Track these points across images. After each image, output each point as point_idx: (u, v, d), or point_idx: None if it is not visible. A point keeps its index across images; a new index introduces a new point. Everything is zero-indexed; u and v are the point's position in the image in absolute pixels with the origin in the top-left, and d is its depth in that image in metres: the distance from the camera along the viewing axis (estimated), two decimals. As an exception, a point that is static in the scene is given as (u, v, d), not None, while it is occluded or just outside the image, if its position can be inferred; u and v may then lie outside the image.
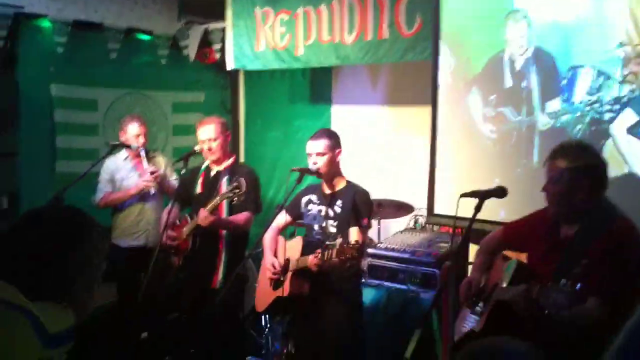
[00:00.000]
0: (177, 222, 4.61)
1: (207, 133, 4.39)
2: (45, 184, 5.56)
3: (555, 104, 4.11)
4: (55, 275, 1.62)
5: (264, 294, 4.18)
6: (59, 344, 1.46)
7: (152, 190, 4.94)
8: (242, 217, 4.32)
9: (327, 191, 4.02)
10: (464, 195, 2.94)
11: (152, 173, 4.88)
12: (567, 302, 2.45)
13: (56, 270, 1.62)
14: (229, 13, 6.12)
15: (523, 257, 3.19)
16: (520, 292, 2.73)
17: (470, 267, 4.16)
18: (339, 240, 3.53)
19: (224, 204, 4.26)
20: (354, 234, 3.82)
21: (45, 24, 5.69)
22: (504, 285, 3.02)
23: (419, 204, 5.10)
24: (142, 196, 5.01)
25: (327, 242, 3.66)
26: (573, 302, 2.46)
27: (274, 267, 4.02)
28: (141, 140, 4.98)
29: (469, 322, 3.22)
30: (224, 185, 4.29)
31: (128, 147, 4.96)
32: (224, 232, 4.37)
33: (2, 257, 1.64)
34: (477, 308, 3.14)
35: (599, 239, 2.78)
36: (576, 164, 2.82)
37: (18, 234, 1.68)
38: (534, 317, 2.67)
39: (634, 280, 2.67)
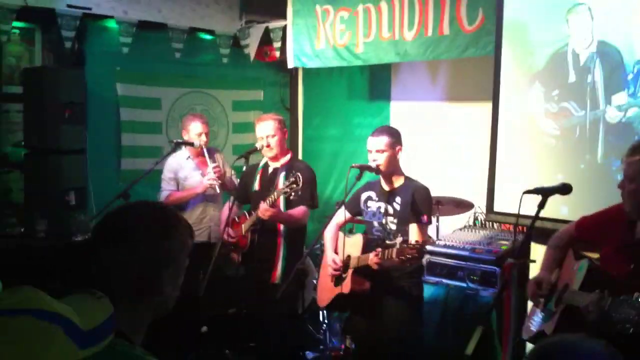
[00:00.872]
0: (236, 219, 4.67)
1: (266, 129, 4.44)
2: (111, 181, 5.74)
3: (620, 98, 4.01)
4: (148, 267, 1.65)
5: (325, 290, 4.21)
6: (99, 339, 1.42)
7: (217, 189, 5.01)
8: (299, 211, 4.36)
9: (386, 188, 4.01)
10: (527, 192, 2.90)
11: (215, 172, 4.94)
12: (636, 318, 2.41)
13: (146, 264, 1.65)
14: (289, 11, 6.17)
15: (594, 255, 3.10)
16: (593, 301, 2.64)
17: (531, 266, 4.10)
18: (399, 240, 3.53)
19: (281, 199, 4.30)
20: (413, 231, 3.81)
21: (112, 24, 5.86)
22: (576, 288, 2.93)
23: (479, 201, 5.04)
24: (205, 194, 5.09)
25: (387, 242, 3.65)
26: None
27: (335, 263, 4.04)
28: (204, 138, 5.06)
29: (536, 319, 3.16)
30: (281, 182, 4.33)
31: (191, 144, 5.05)
32: (282, 227, 4.42)
33: (95, 251, 1.67)
34: (549, 307, 3.06)
35: None
36: None
37: (106, 228, 1.70)
38: (604, 330, 2.57)
39: None
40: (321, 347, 5.49)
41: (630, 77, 3.95)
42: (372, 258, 3.69)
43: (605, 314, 2.56)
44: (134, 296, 1.63)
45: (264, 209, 4.19)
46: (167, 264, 1.69)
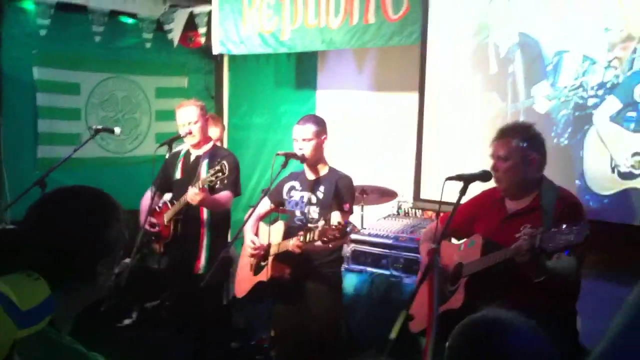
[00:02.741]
0: (157, 208, 4.56)
1: (188, 116, 4.35)
2: (27, 168, 5.52)
3: (540, 89, 4.11)
4: (82, 256, 1.63)
5: (243, 280, 4.16)
6: (36, 320, 1.42)
7: None
8: (224, 196, 4.29)
9: (311, 177, 4.00)
10: (449, 178, 2.96)
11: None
12: (577, 239, 2.61)
13: (83, 250, 1.63)
14: (215, -4, 6.06)
15: None
16: (521, 244, 2.79)
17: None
18: (321, 222, 3.53)
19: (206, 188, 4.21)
20: (335, 218, 3.80)
21: (29, 5, 5.62)
22: (473, 260, 3.12)
23: (404, 190, 5.09)
24: None
25: (310, 225, 3.64)
26: (587, 237, 2.61)
27: (253, 243, 3.98)
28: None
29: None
30: (204, 170, 4.26)
31: (111, 132, 4.58)
32: (205, 217, 4.35)
33: (25, 237, 1.64)
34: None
35: (554, 206, 3.02)
36: (527, 140, 3.10)
37: (45, 212, 1.67)
38: (541, 264, 2.79)
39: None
40: (245, 337, 5.45)
41: (549, 68, 4.05)
42: (293, 242, 3.66)
43: (540, 249, 2.71)
44: (67, 285, 1.60)
45: (194, 194, 4.08)
46: (102, 254, 1.68)
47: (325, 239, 3.45)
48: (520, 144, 3.10)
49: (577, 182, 3.93)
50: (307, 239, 3.56)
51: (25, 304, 1.39)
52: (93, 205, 1.71)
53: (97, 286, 1.69)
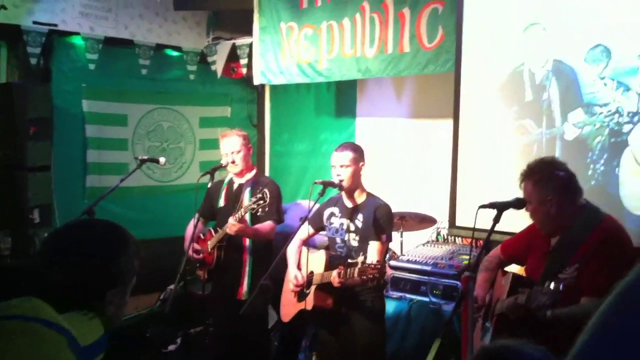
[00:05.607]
0: (202, 235, 4.68)
1: (231, 146, 4.47)
2: (76, 198, 5.73)
3: (575, 116, 4.11)
4: (92, 285, 1.65)
5: (288, 305, 4.25)
6: (92, 356, 1.49)
7: None
8: (266, 227, 4.39)
9: (349, 204, 4.07)
10: (482, 206, 3.00)
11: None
12: (549, 301, 2.62)
13: (93, 280, 1.65)
14: (255, 28, 6.22)
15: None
16: (510, 301, 2.85)
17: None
18: (360, 259, 3.60)
19: (247, 215, 4.32)
20: (373, 249, 3.87)
21: (78, 41, 5.87)
22: (503, 298, 3.12)
23: (442, 216, 5.12)
24: None
25: (350, 260, 3.72)
26: (555, 301, 2.62)
27: (297, 280, 4.08)
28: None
29: (487, 336, 3.26)
30: (247, 197, 4.36)
31: (156, 162, 4.74)
32: (247, 243, 4.44)
33: (40, 266, 1.67)
34: (487, 324, 3.21)
35: (585, 243, 2.94)
36: (540, 182, 3.04)
37: (58, 244, 1.71)
38: (526, 320, 2.80)
39: (622, 272, 2.73)
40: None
41: (584, 94, 4.05)
42: (334, 276, 3.73)
43: (523, 307, 2.75)
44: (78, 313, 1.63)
45: (231, 224, 4.20)
46: (112, 284, 1.69)
47: (364, 277, 3.54)
48: (535, 187, 3.06)
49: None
50: (347, 275, 3.65)
51: (84, 340, 1.46)
52: (102, 238, 1.73)
53: (108, 316, 1.68)
